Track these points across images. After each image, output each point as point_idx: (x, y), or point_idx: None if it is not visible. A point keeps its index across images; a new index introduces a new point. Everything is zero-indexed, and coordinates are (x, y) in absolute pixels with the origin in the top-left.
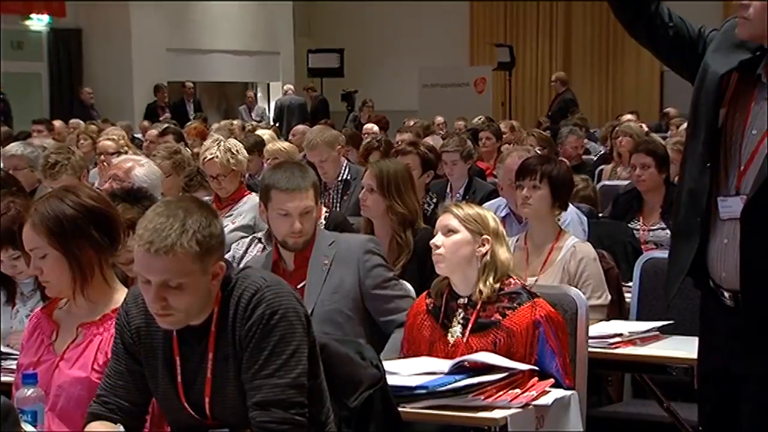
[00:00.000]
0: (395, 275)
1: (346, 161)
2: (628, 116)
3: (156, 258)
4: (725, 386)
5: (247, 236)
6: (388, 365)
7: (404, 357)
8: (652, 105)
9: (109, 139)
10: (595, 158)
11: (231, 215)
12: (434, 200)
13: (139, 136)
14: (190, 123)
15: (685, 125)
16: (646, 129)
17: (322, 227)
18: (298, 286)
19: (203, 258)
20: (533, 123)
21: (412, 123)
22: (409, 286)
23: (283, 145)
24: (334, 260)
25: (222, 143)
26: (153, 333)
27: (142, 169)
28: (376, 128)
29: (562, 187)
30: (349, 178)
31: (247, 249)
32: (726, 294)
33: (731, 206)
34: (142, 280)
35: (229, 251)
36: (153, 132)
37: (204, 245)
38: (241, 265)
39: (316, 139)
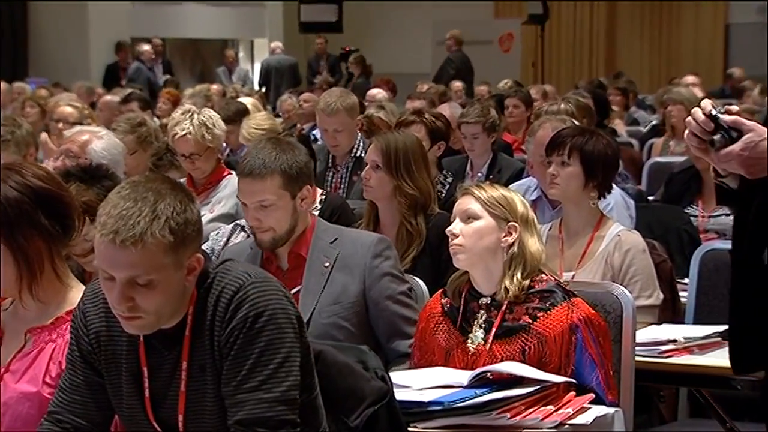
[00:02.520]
0: (409, 289)
1: (360, 135)
2: (690, 78)
3: (122, 250)
4: None
5: (230, 225)
6: (396, 377)
7: (415, 367)
8: (714, 65)
9: (71, 105)
10: (645, 130)
11: (209, 202)
12: (449, 179)
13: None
14: (167, 86)
15: (757, 89)
16: (701, 95)
17: (317, 213)
18: (292, 291)
19: (178, 249)
20: (570, 87)
21: (424, 88)
22: (421, 283)
23: (262, 123)
24: (336, 263)
25: (195, 116)
26: (115, 338)
27: (100, 142)
28: (382, 93)
29: (598, 165)
30: (363, 155)
31: (228, 239)
32: None
33: None
34: (104, 277)
35: (206, 242)
36: (108, 98)
37: (179, 234)
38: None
39: (337, 103)
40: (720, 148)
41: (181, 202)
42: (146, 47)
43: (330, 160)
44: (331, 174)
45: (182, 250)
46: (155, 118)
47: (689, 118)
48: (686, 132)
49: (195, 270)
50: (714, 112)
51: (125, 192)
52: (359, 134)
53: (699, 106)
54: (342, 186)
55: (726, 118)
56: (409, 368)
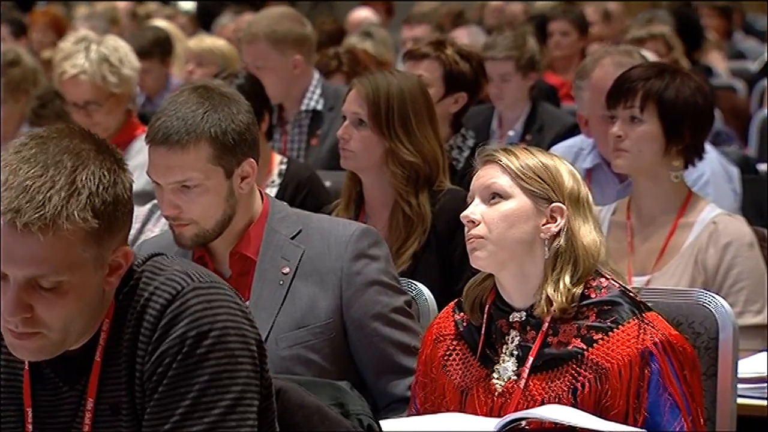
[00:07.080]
0: (408, 303)
1: (317, 77)
2: None
3: (24, 238)
4: None
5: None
6: (389, 426)
7: (418, 412)
8: None
9: None
10: (755, 67)
11: None
12: (469, 142)
13: None
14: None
15: None
16: None
17: (276, 191)
18: None
19: (102, 239)
20: (644, 7)
21: (430, 8)
22: (425, 290)
23: (217, 43)
24: (299, 267)
25: (93, 47)
26: None
27: None
28: (371, 16)
29: (684, 120)
30: (321, 107)
31: (143, 226)
32: None
33: None
34: None
35: None
36: None
37: (105, 217)
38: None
39: (255, 27)
40: None
41: (109, 171)
42: None
43: (276, 114)
44: (277, 134)
45: (107, 239)
46: (34, 56)
47: None
48: None
49: (120, 269)
50: None
51: (29, 152)
52: (316, 77)
53: None
54: (294, 153)
55: None
56: (409, 414)
